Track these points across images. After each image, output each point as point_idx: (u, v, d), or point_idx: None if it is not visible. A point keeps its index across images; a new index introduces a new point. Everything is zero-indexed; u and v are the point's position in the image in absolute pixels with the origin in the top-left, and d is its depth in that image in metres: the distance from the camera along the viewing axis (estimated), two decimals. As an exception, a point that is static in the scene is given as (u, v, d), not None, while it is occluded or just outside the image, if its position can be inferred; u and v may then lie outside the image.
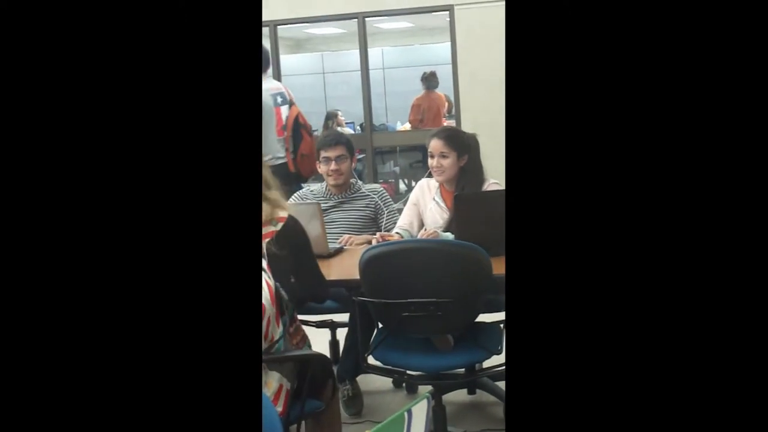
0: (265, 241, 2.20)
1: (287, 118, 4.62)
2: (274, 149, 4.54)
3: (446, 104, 7.87)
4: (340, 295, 3.05)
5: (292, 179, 4.44)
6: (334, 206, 3.34)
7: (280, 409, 2.07)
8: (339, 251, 3.03)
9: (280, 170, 4.26)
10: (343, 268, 2.82)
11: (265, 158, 3.10)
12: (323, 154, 3.32)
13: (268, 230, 2.23)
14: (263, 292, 1.99)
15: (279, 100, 4.61)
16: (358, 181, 3.51)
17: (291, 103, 4.67)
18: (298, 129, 4.63)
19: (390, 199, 3.42)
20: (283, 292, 2.15)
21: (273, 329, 2.05)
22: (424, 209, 3.14)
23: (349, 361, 3.09)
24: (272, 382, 2.08)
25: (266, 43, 6.23)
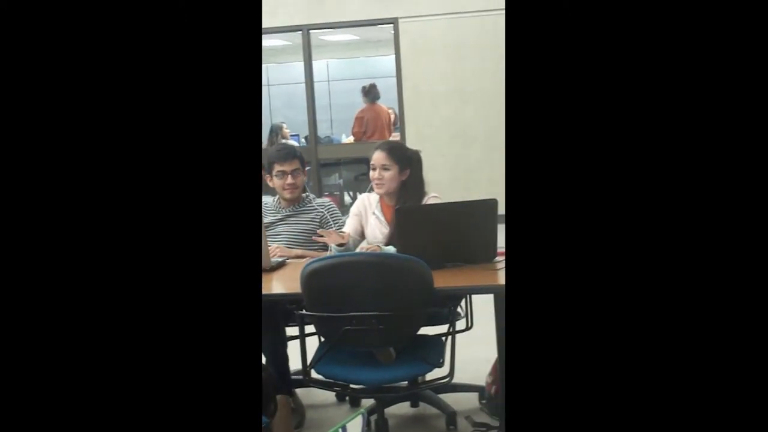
0: None
1: None
2: None
3: (391, 116, 7.89)
4: None
5: None
6: (281, 219, 3.31)
7: None
8: (281, 265, 3.01)
9: None
10: (285, 282, 2.81)
11: None
12: (278, 167, 3.27)
13: None
14: None
15: None
16: (310, 194, 3.49)
17: None
18: None
19: (338, 213, 3.39)
20: None
21: None
22: (366, 223, 3.15)
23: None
24: None
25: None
